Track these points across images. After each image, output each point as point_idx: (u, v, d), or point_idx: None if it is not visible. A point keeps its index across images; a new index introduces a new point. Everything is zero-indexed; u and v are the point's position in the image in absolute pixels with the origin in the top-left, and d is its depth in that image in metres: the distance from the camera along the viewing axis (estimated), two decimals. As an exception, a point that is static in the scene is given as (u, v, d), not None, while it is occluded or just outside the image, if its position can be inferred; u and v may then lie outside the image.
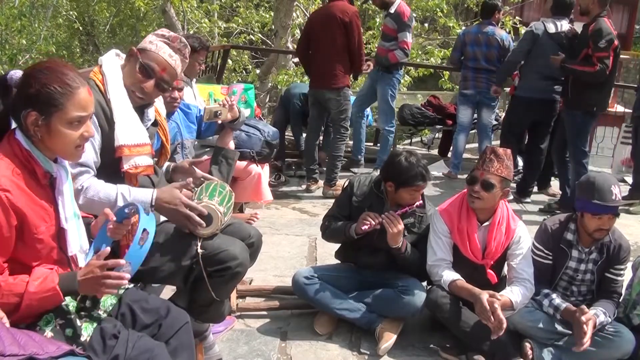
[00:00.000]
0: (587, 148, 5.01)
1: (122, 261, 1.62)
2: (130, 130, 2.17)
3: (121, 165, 2.17)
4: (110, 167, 2.17)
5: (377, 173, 5.55)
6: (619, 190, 2.68)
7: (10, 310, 1.57)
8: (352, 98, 6.90)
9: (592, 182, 2.66)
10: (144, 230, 1.69)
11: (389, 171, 2.88)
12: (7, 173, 1.57)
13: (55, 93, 1.60)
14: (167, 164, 2.57)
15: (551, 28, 4.99)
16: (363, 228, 2.75)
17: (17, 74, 1.65)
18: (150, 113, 2.37)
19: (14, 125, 1.67)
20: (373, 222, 2.74)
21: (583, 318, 2.54)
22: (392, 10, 5.59)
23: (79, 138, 1.67)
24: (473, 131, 6.60)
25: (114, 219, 1.79)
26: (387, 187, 2.90)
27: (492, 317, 2.53)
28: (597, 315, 2.59)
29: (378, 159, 6.05)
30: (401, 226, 2.75)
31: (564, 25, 5.00)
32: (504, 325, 2.53)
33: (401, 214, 2.80)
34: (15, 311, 1.58)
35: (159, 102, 2.52)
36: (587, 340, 2.51)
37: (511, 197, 5.27)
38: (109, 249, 1.68)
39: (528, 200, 5.40)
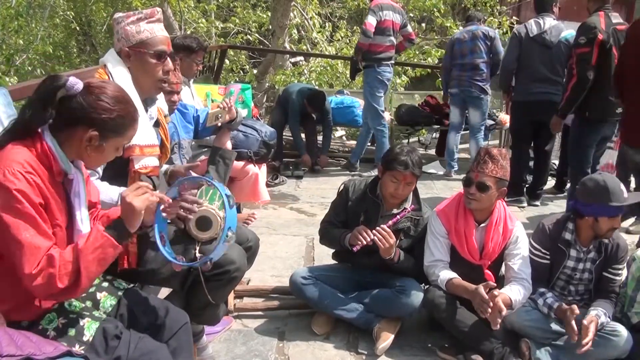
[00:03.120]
0: (585, 160, 4.55)
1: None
2: (143, 131, 2.17)
3: (131, 165, 2.18)
4: (114, 167, 2.17)
5: (374, 173, 5.59)
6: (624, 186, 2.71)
7: (73, 280, 1.57)
8: (352, 99, 6.97)
9: (605, 186, 2.64)
10: (226, 195, 1.91)
11: (385, 153, 2.96)
12: (30, 160, 1.58)
13: (123, 125, 1.71)
14: (165, 167, 2.57)
15: (533, 30, 4.96)
16: (355, 249, 2.77)
17: (78, 84, 1.65)
18: (153, 112, 2.36)
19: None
20: (364, 242, 2.75)
21: (585, 322, 2.54)
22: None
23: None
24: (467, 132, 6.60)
25: (170, 200, 1.84)
26: (379, 171, 2.94)
27: (489, 309, 2.53)
28: (598, 316, 2.60)
29: (376, 158, 6.07)
30: (392, 240, 2.76)
31: (548, 22, 4.95)
32: (504, 313, 2.54)
33: (393, 224, 2.82)
34: (77, 280, 1.58)
35: (162, 101, 2.51)
36: (589, 341, 2.51)
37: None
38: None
39: (537, 202, 5.30)
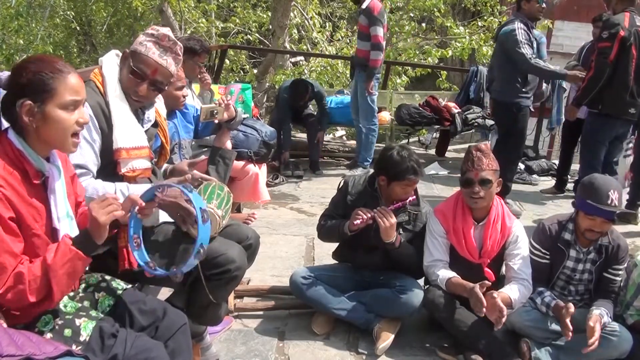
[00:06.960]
0: (595, 157, 4.62)
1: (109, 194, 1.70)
2: (128, 133, 2.17)
3: (118, 168, 2.17)
4: (110, 167, 2.17)
5: (369, 170, 5.58)
6: (618, 197, 2.65)
7: (44, 294, 1.58)
8: (349, 98, 6.96)
9: (592, 182, 2.68)
10: (201, 208, 1.79)
11: (381, 165, 2.90)
12: (1, 171, 1.56)
13: (46, 78, 1.61)
14: (165, 165, 2.57)
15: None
16: (355, 223, 2.75)
17: (4, 74, 1.65)
18: (151, 114, 2.37)
19: (4, 126, 1.66)
20: (365, 217, 2.74)
21: (590, 323, 2.53)
22: (363, 6, 5.55)
23: (75, 124, 1.67)
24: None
25: (143, 204, 1.78)
26: (379, 182, 2.90)
27: (484, 309, 2.53)
28: (601, 315, 2.60)
29: (360, 155, 6.04)
30: (393, 220, 2.75)
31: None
32: (505, 313, 2.53)
33: (394, 209, 2.81)
34: (49, 293, 1.58)
35: (160, 103, 2.52)
36: (595, 340, 2.50)
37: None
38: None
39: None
